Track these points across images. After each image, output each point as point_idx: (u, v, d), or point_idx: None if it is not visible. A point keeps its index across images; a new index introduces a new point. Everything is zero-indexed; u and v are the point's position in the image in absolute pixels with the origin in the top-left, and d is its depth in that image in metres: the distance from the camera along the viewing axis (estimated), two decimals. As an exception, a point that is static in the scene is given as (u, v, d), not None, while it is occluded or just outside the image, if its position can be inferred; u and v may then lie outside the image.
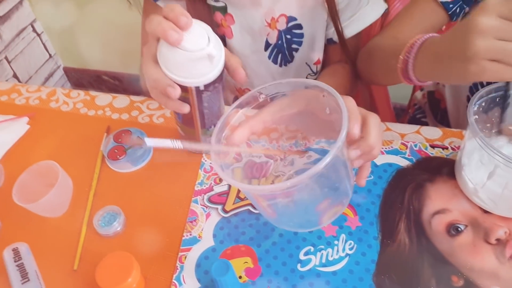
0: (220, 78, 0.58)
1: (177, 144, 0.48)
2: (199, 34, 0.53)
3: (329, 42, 0.90)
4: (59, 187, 0.67)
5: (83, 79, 2.36)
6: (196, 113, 0.62)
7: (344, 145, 0.51)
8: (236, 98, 0.97)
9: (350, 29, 0.86)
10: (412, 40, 0.63)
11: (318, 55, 0.91)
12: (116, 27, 1.98)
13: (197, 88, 0.57)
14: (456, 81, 0.58)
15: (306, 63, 0.92)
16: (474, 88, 0.84)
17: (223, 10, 0.84)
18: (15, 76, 2.07)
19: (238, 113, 0.58)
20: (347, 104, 0.53)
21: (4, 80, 2.02)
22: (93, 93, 0.91)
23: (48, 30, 2.19)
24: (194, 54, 0.52)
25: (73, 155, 0.79)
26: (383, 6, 0.86)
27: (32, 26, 2.11)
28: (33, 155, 0.80)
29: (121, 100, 0.88)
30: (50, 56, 2.26)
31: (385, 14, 0.88)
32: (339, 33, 0.85)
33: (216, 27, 0.86)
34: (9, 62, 2.03)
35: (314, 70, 0.93)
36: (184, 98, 0.58)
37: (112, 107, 0.87)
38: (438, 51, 0.58)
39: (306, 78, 0.95)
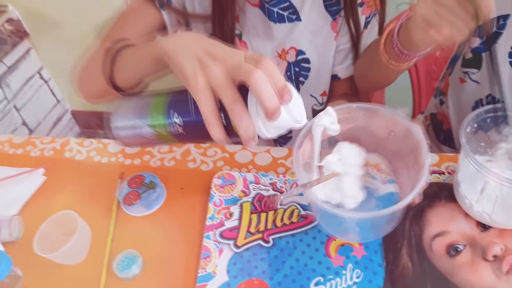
0: None
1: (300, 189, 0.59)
2: (299, 105, 0.54)
3: (333, 78, 0.95)
4: (78, 235, 0.71)
5: (91, 121, 2.42)
6: None
7: None
8: None
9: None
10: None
11: (324, 88, 0.96)
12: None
13: None
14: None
15: (311, 94, 0.97)
16: (476, 107, 0.87)
17: (239, 37, 0.89)
18: (24, 123, 2.13)
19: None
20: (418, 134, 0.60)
21: (13, 128, 2.08)
22: (105, 140, 0.95)
23: (55, 76, 2.26)
24: (295, 125, 0.54)
25: (89, 203, 0.83)
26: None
27: (40, 74, 2.18)
28: (51, 205, 0.84)
29: (132, 146, 0.92)
30: (58, 101, 2.32)
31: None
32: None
33: None
34: (18, 111, 2.09)
35: (320, 101, 0.98)
36: None
37: (124, 153, 0.92)
38: None
39: (312, 108, 1.00)
